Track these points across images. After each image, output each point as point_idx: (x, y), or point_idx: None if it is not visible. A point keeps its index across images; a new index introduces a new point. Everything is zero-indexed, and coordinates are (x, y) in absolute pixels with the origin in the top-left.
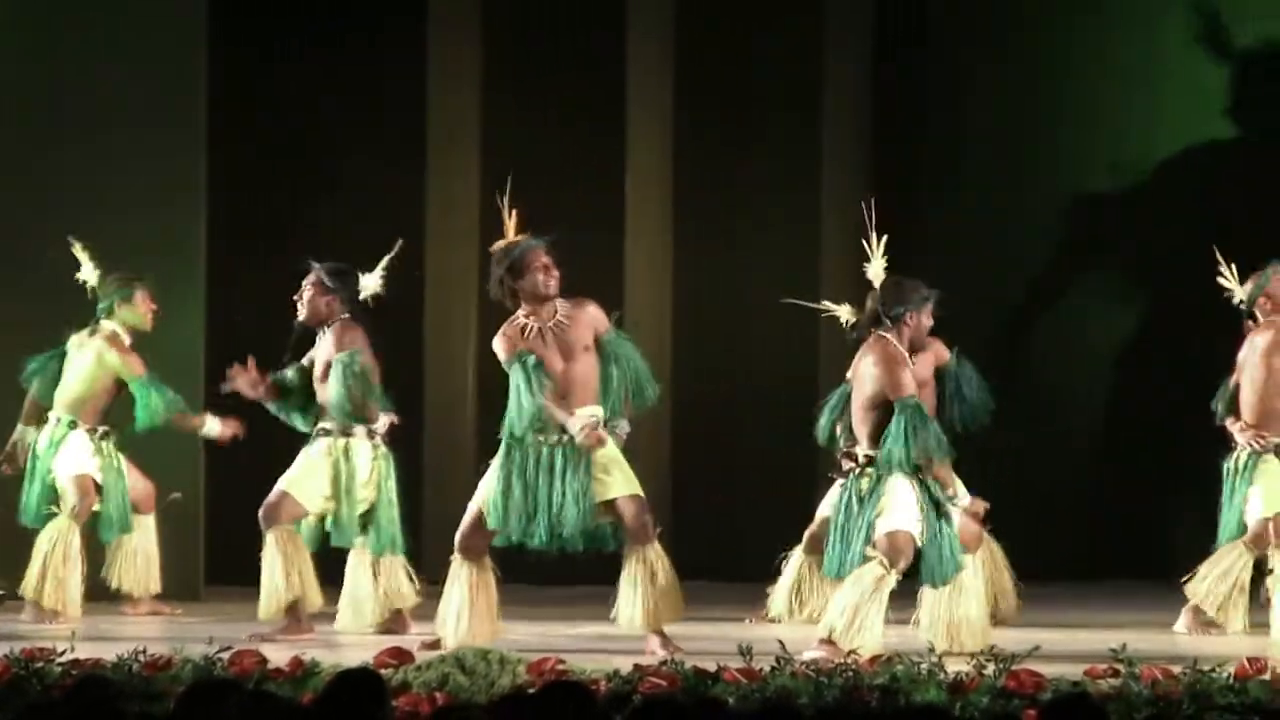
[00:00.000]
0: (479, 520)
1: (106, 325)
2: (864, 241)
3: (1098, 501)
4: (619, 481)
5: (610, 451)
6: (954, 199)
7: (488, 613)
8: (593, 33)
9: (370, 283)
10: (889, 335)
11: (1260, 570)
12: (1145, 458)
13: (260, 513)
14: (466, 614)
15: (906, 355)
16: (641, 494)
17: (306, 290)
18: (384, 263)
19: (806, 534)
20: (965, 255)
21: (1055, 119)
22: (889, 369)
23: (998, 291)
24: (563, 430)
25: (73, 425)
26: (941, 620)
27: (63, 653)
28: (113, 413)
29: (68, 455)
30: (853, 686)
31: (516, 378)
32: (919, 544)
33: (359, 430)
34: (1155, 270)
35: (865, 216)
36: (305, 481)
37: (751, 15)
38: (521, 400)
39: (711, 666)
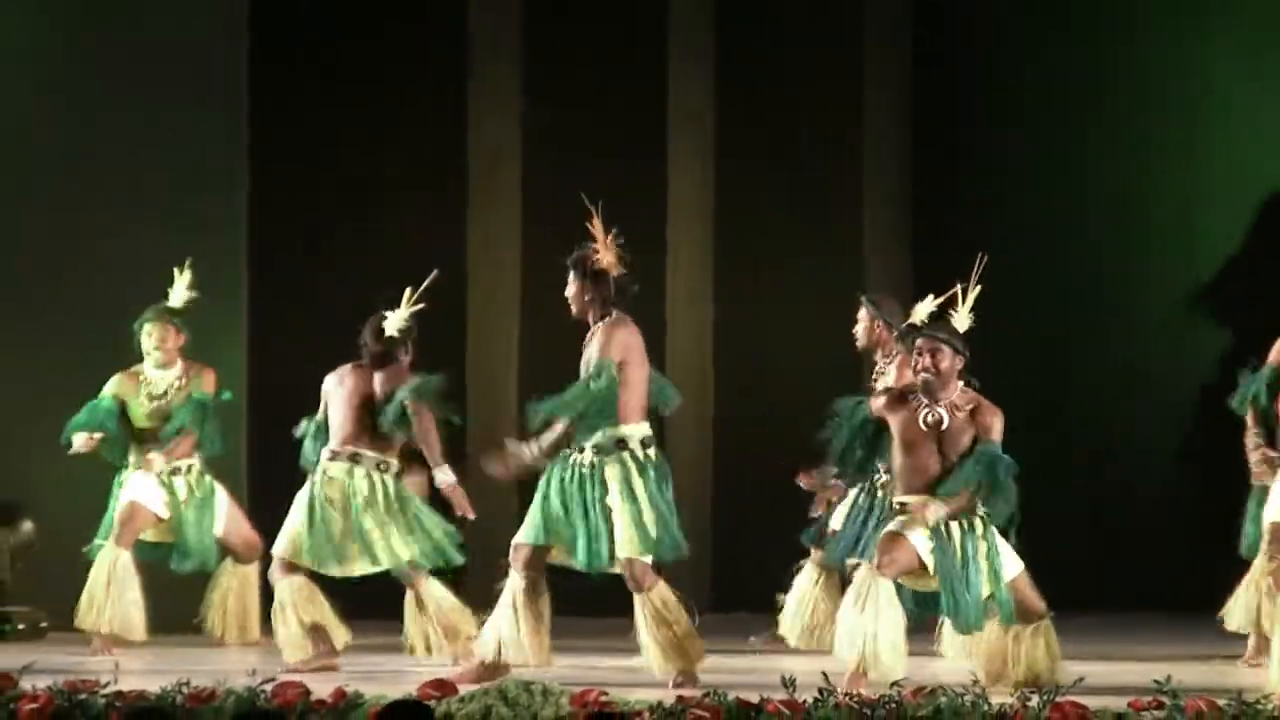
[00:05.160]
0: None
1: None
2: (960, 289)
3: (1143, 532)
4: (619, 543)
5: (621, 498)
6: (995, 228)
7: (536, 634)
8: (634, 61)
9: (394, 322)
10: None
11: None
12: (1192, 488)
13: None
14: (515, 634)
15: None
16: (637, 553)
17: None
18: (409, 298)
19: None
20: (1007, 279)
21: (1093, 145)
22: (985, 418)
23: (1039, 312)
24: (596, 449)
25: (138, 465)
26: (1015, 652)
27: (106, 685)
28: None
29: (129, 485)
30: (896, 718)
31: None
32: (926, 565)
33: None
34: (1199, 297)
35: (975, 268)
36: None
37: (793, 42)
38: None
39: (754, 698)
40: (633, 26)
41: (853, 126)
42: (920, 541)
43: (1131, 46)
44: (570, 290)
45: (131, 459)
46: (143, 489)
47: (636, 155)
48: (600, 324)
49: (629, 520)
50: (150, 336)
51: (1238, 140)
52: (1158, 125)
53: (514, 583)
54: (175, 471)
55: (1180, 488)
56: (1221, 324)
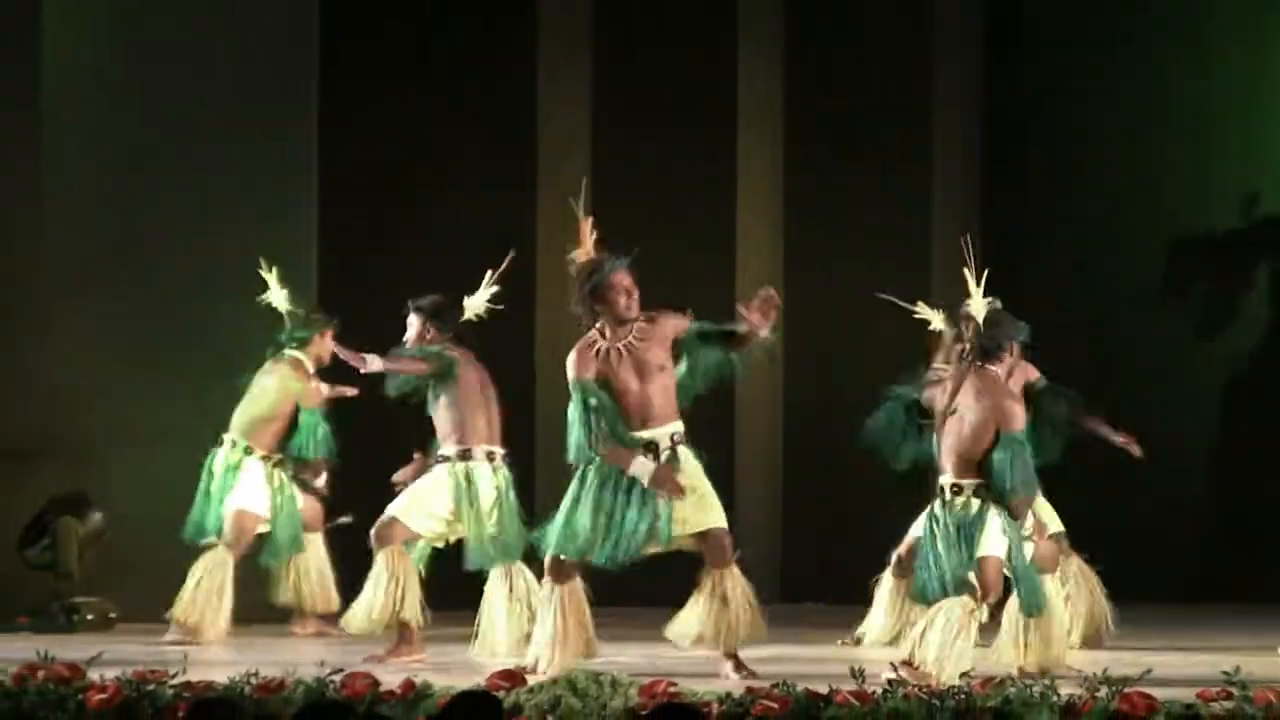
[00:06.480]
0: (567, 545)
1: (294, 354)
2: (966, 273)
3: (1211, 523)
4: (704, 515)
5: (692, 481)
6: (1065, 220)
7: (579, 637)
8: (704, 51)
9: (475, 304)
10: (993, 367)
11: None
12: (1259, 479)
13: (371, 533)
14: (559, 641)
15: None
16: (724, 523)
17: (410, 329)
18: (489, 279)
19: (894, 556)
20: (1076, 274)
21: (1162, 145)
22: (1003, 401)
23: (1107, 306)
24: (647, 448)
25: (248, 451)
26: (1025, 639)
27: (174, 675)
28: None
29: (242, 485)
30: (965, 709)
31: (577, 408)
32: (1010, 575)
33: (478, 452)
34: (1263, 297)
35: (965, 252)
36: (417, 508)
37: (862, 35)
38: (583, 440)
39: (823, 689)
40: (702, 14)
41: (922, 114)
42: (1002, 549)
43: (1198, 46)
44: (637, 292)
45: (239, 441)
46: (255, 493)
47: (706, 142)
48: (665, 316)
49: (708, 492)
50: (324, 339)
51: None
52: (1221, 121)
53: (557, 593)
54: (278, 464)
55: (1248, 477)
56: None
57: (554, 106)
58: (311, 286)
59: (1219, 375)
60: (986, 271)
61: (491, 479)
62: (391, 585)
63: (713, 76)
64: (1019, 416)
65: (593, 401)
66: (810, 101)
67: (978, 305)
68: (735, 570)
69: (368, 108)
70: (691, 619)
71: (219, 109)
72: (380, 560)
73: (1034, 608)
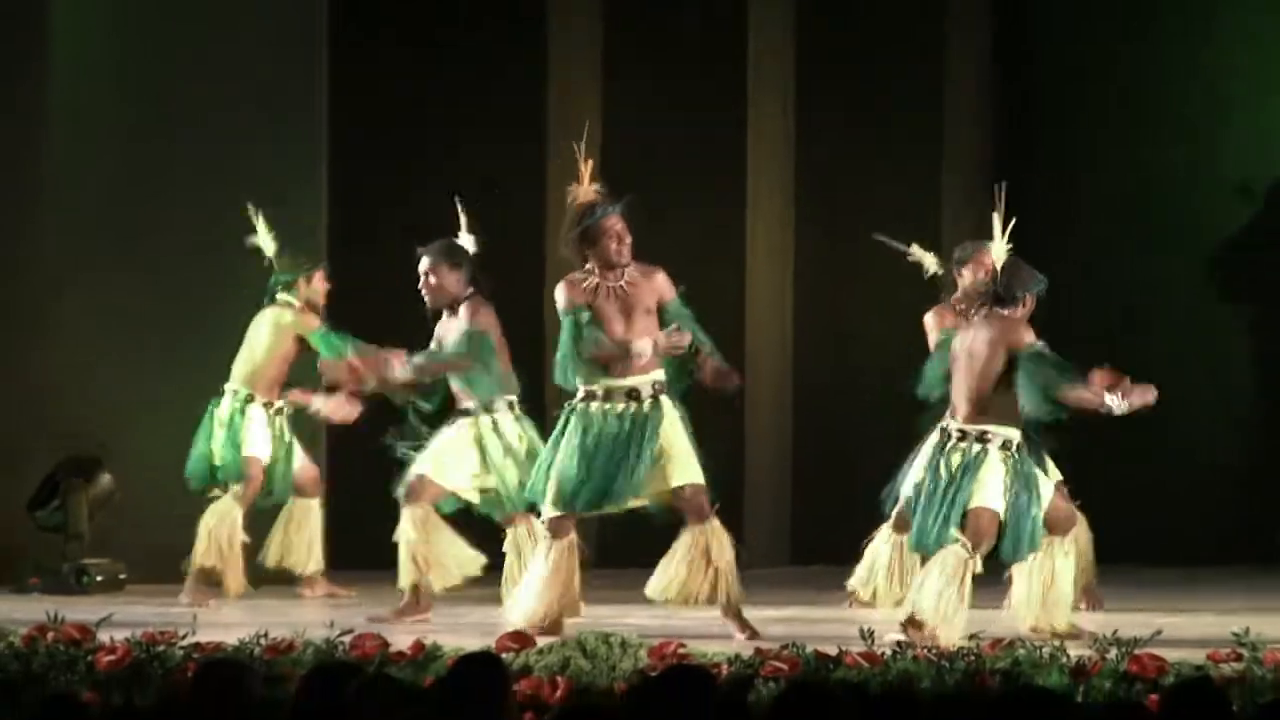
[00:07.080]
0: (558, 498)
1: (284, 298)
2: (994, 218)
3: (1221, 486)
4: (680, 471)
5: (671, 434)
6: (1074, 187)
7: (564, 595)
8: (715, 19)
9: (464, 244)
10: (1006, 313)
11: None
12: (1266, 442)
13: (400, 492)
14: (542, 596)
15: None
16: (701, 479)
17: (429, 276)
18: (465, 224)
19: (894, 513)
20: (1085, 246)
21: (1167, 142)
22: (1011, 331)
23: (1119, 276)
24: (629, 395)
25: (250, 399)
26: (1034, 598)
27: (184, 636)
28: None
29: (256, 435)
30: (974, 670)
31: (566, 331)
32: (1002, 521)
33: (500, 404)
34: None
35: (996, 198)
36: (446, 463)
37: (874, 8)
38: (569, 355)
39: (833, 650)
40: None
41: (933, 81)
42: (998, 501)
43: (1206, 43)
44: (629, 239)
45: (240, 389)
46: (264, 441)
47: (716, 116)
48: (660, 273)
49: (686, 449)
50: (312, 281)
51: None
52: (1225, 118)
53: (555, 549)
54: (280, 411)
55: (1258, 439)
56: None
57: (564, 77)
58: (321, 253)
59: (1227, 347)
60: (1013, 221)
61: (515, 428)
62: (413, 546)
63: (723, 42)
64: (1029, 337)
65: (584, 318)
66: (822, 73)
67: (999, 252)
68: (716, 524)
69: (376, 77)
70: (671, 575)
71: (226, 84)
72: (405, 517)
73: (1014, 555)
